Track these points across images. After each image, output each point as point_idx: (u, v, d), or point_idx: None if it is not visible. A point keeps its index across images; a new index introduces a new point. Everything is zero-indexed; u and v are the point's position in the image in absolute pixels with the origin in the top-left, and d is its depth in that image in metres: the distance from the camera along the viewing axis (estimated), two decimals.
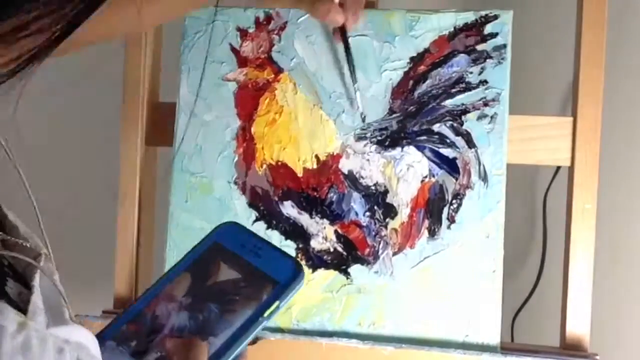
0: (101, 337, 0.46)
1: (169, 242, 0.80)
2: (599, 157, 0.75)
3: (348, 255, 0.76)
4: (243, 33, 0.80)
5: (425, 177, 0.76)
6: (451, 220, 0.75)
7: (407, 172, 0.76)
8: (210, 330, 0.46)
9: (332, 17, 0.69)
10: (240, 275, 0.48)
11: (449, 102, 0.76)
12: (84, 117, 1.27)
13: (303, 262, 0.77)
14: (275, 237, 0.77)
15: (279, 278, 0.47)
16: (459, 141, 0.75)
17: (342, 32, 0.74)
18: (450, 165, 0.75)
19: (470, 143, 0.75)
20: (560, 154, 0.77)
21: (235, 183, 0.79)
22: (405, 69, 0.77)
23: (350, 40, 0.75)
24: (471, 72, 0.75)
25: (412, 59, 0.77)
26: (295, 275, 0.47)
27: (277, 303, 0.46)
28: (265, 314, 0.45)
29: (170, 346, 0.46)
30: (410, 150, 0.76)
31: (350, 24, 0.72)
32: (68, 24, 0.31)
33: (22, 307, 0.36)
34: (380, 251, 0.76)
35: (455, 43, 0.76)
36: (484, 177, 0.75)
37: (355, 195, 0.77)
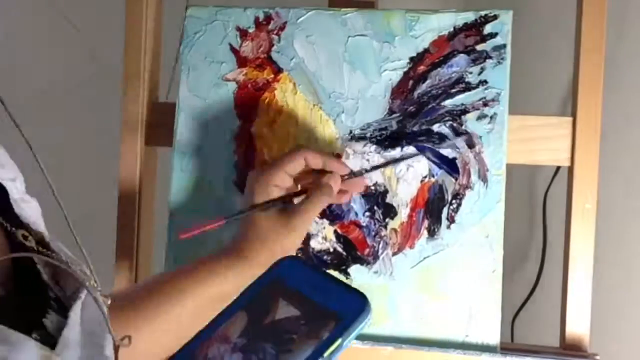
0: None
1: (169, 242, 0.79)
2: (599, 157, 0.75)
3: (348, 256, 0.76)
4: (243, 33, 0.80)
5: (425, 177, 0.76)
6: (451, 220, 0.75)
7: (406, 172, 0.76)
8: None
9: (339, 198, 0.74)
10: (300, 313, 0.45)
11: (448, 102, 0.76)
12: (84, 117, 1.27)
13: None
14: None
15: (342, 314, 0.44)
16: (459, 141, 0.75)
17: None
18: (450, 166, 0.75)
19: (470, 143, 0.75)
20: (560, 154, 0.77)
21: (235, 183, 0.79)
22: (405, 69, 0.77)
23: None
24: (471, 72, 0.75)
25: (411, 59, 0.77)
26: (360, 310, 0.44)
27: (339, 341, 0.43)
28: (326, 354, 0.43)
29: None
30: (410, 150, 0.76)
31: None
32: None
33: (57, 340, 0.35)
34: (380, 251, 0.76)
35: (454, 43, 0.76)
36: (483, 177, 0.75)
37: (355, 195, 0.76)
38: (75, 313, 0.38)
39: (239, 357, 0.44)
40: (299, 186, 0.73)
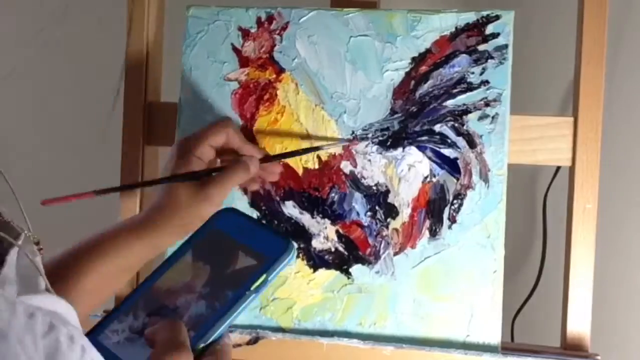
0: (96, 331, 0.50)
1: None
2: (600, 156, 0.75)
3: (349, 255, 0.77)
4: (245, 33, 0.80)
5: (427, 177, 0.76)
6: (452, 220, 0.75)
7: (408, 172, 0.76)
8: (199, 309, 0.50)
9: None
10: (231, 256, 0.52)
11: (450, 103, 0.76)
12: (84, 117, 1.27)
13: (304, 262, 0.77)
14: None
15: (268, 254, 0.51)
16: (460, 141, 0.75)
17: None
18: (452, 166, 0.75)
19: (471, 143, 0.75)
20: (560, 154, 0.77)
21: None
22: (407, 69, 0.77)
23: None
24: (472, 73, 0.76)
25: (413, 59, 0.77)
26: (283, 250, 0.51)
27: (264, 276, 0.50)
28: (252, 287, 0.50)
29: (150, 332, 0.49)
30: (412, 150, 0.76)
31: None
32: None
33: None
34: (381, 251, 0.76)
35: (456, 43, 0.76)
36: (485, 178, 0.75)
37: (357, 195, 0.77)
38: (11, 257, 0.40)
39: (178, 299, 0.51)
40: (219, 161, 0.74)
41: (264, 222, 0.55)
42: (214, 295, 0.50)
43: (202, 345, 0.49)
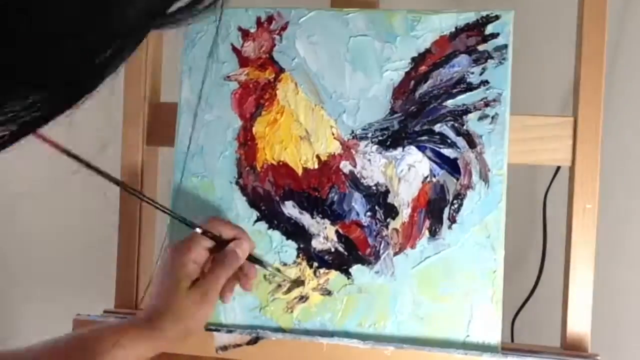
0: None
1: (169, 242, 0.79)
2: (600, 156, 0.75)
3: (349, 255, 0.76)
4: (244, 33, 0.80)
5: (426, 177, 0.76)
6: (452, 220, 0.75)
7: (408, 172, 0.76)
8: None
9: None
10: None
11: (450, 102, 0.76)
12: (84, 117, 1.27)
13: (304, 262, 0.77)
14: (276, 237, 0.77)
15: None
16: (460, 141, 0.75)
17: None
18: (451, 166, 0.75)
19: (471, 143, 0.75)
20: (560, 154, 0.77)
21: (237, 183, 0.79)
22: (407, 69, 0.77)
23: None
24: (472, 73, 0.76)
25: (413, 59, 0.77)
26: None
27: None
28: None
29: None
30: (412, 150, 0.76)
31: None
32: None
33: None
34: (381, 251, 0.76)
35: (456, 43, 0.76)
36: (485, 178, 0.75)
37: (357, 195, 0.77)
38: None
39: None
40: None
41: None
42: None
43: None
